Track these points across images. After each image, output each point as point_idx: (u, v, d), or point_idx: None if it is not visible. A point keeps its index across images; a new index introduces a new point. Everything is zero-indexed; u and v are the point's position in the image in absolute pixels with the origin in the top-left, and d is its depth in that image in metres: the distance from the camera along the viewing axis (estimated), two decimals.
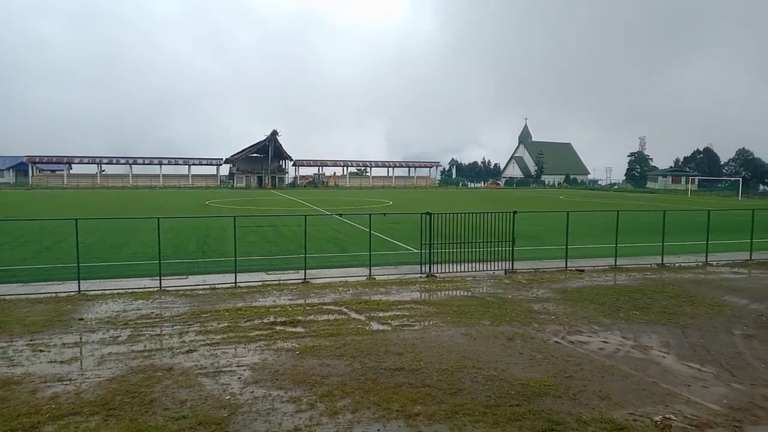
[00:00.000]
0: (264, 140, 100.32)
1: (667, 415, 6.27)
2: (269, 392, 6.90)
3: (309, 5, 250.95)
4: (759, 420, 6.30)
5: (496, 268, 15.50)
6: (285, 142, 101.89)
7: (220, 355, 8.27)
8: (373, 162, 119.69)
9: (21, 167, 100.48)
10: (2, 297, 11.80)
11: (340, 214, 20.80)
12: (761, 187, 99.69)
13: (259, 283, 13.47)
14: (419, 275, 14.81)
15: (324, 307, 11.26)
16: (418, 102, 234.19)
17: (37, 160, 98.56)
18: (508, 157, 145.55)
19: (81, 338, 9.11)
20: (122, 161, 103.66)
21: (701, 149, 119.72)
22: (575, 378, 7.50)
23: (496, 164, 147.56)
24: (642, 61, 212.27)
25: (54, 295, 12.09)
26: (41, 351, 8.38)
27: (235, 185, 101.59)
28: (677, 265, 17.02)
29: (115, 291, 12.52)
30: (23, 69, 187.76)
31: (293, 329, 9.66)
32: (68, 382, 7.15)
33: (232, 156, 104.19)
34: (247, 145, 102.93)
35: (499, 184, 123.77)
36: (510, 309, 11.27)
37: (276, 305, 11.33)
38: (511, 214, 15.81)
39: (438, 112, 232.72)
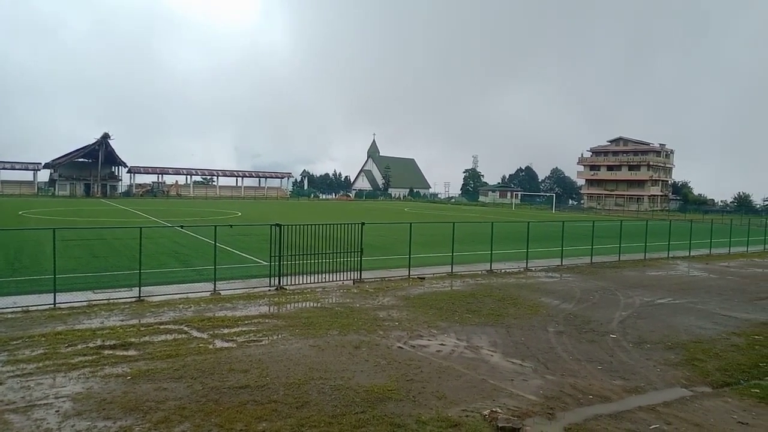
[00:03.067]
0: (93, 144, 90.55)
1: (494, 409, 6.93)
2: (94, 424, 6.21)
3: (151, 3, 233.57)
4: (567, 406, 7.27)
5: (345, 278, 15.82)
6: (120, 146, 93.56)
7: (33, 387, 7.23)
8: (221, 171, 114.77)
9: None
10: None
11: (182, 226, 19.50)
12: (570, 201, 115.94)
13: (85, 303, 12.07)
14: (268, 288, 14.51)
15: (161, 326, 10.46)
16: (269, 111, 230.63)
17: None
18: (358, 170, 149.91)
19: None
20: None
21: (523, 167, 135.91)
22: (415, 380, 7.94)
23: (346, 177, 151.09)
24: (476, 83, 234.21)
25: None
26: None
27: (57, 193, 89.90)
28: (503, 270, 18.96)
29: None
30: None
31: (124, 353, 8.82)
32: None
33: (53, 160, 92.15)
34: (73, 149, 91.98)
35: (349, 196, 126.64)
36: (357, 318, 11.56)
37: (104, 327, 10.25)
38: (360, 225, 16.29)
39: (290, 123, 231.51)
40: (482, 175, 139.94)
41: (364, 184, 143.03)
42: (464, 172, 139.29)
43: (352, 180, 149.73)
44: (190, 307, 12.12)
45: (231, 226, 20.05)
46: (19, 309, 11.44)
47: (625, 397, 7.70)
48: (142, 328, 10.27)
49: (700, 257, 25.34)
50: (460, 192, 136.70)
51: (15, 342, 9.15)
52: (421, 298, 13.82)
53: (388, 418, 6.59)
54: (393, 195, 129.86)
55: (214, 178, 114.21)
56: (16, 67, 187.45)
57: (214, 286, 13.95)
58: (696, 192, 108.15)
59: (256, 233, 26.53)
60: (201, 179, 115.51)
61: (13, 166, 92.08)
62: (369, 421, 6.51)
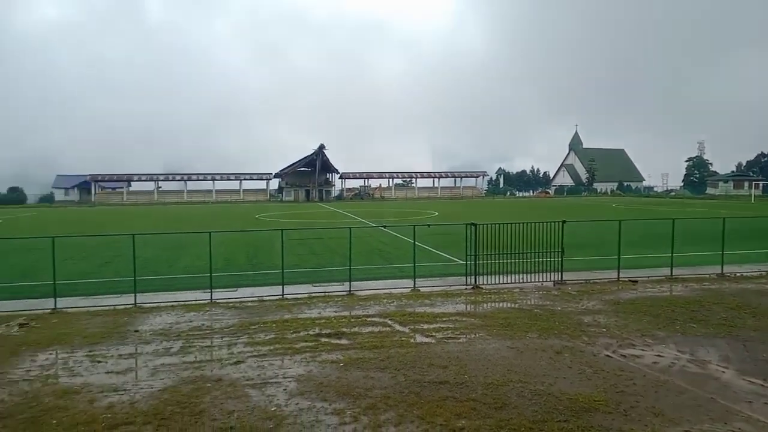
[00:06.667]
0: (311, 154, 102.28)
1: None
2: (314, 404, 6.98)
3: (353, 13, 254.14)
4: None
5: (545, 280, 15.13)
6: (332, 155, 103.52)
7: (266, 367, 8.44)
8: (419, 173, 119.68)
9: (84, 185, 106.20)
10: (65, 309, 12.47)
11: (385, 226, 20.88)
12: None
13: (306, 295, 13.68)
14: (464, 287, 14.65)
15: (368, 319, 11.31)
16: (464, 111, 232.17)
17: (99, 178, 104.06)
18: (558, 165, 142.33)
19: (136, 349, 9.51)
20: (177, 178, 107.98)
21: (766, 152, 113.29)
22: (627, 393, 7.20)
23: (545, 172, 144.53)
24: (699, 56, 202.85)
25: (112, 307, 12.67)
26: (99, 362, 8.79)
27: (283, 199, 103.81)
28: (738, 275, 16.11)
29: (169, 303, 13.00)
30: (85, 90, 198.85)
31: (338, 341, 9.74)
32: (123, 393, 7.47)
33: (281, 170, 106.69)
34: (296, 160, 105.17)
35: (548, 193, 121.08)
36: (558, 321, 10.97)
37: (321, 317, 11.47)
38: (561, 223, 15.43)
39: (485, 121, 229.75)
40: (710, 164, 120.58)
41: (565, 179, 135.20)
42: (687, 161, 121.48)
43: (551, 176, 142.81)
44: (393, 302, 12.87)
45: (429, 225, 20.76)
46: (256, 298, 13.46)
47: None
48: (352, 320, 11.23)
49: None
50: (681, 184, 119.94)
51: (253, 327, 10.80)
52: (632, 304, 12.51)
53: (595, 431, 6.10)
54: (599, 190, 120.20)
55: (413, 180, 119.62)
56: (255, 88, 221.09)
57: (414, 283, 14.59)
58: None
59: (452, 232, 26.99)
60: (401, 181, 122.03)
61: (251, 176, 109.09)
62: (573, 431, 6.10)
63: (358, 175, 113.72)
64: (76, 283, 15.75)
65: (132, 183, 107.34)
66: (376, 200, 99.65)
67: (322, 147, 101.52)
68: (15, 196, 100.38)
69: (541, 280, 15.09)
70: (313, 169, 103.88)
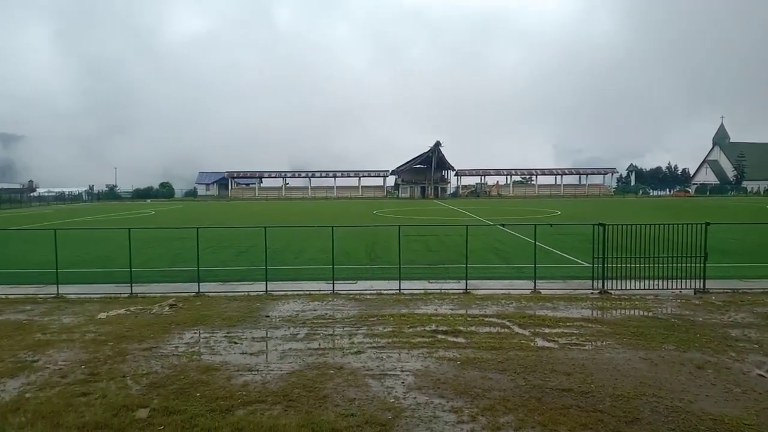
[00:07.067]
0: (427, 152, 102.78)
1: None
2: (431, 400, 7.00)
3: (470, 6, 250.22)
4: None
5: (684, 287, 13.75)
6: (447, 152, 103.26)
7: (385, 359, 8.63)
8: (539, 170, 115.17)
9: (222, 181, 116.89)
10: (206, 293, 13.79)
11: (503, 225, 20.34)
12: None
13: (422, 291, 13.77)
14: (590, 291, 13.80)
15: (486, 318, 11.10)
16: (590, 105, 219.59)
17: (235, 175, 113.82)
18: (700, 161, 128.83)
19: (267, 333, 10.23)
20: (303, 175, 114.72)
21: None
22: None
23: (684, 169, 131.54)
24: None
25: (247, 293, 13.77)
26: (235, 343, 9.59)
27: (399, 195, 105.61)
28: None
29: (296, 292, 13.83)
30: (222, 94, 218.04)
31: (454, 339, 9.69)
32: (256, 373, 8.07)
33: (397, 167, 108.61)
34: (411, 157, 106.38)
35: (688, 192, 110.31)
36: (700, 334, 9.92)
37: (438, 314, 11.48)
38: (704, 225, 13.94)
39: (615, 115, 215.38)
40: None
41: (707, 176, 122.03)
42: None
43: (691, 173, 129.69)
44: (512, 303, 12.50)
45: (551, 225, 19.87)
46: (374, 292, 13.83)
47: None
48: (468, 318, 11.11)
49: None
50: None
51: (372, 319, 11.11)
52: None
53: None
54: (749, 189, 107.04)
55: (533, 177, 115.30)
56: (375, 87, 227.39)
57: (534, 285, 14.05)
58: None
59: (576, 233, 25.62)
60: (520, 179, 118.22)
61: (368, 173, 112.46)
62: None
63: (474, 172, 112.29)
64: (216, 270, 17.35)
65: (263, 179, 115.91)
66: (493, 198, 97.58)
67: (437, 144, 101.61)
68: (165, 191, 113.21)
69: (679, 287, 13.74)
70: (429, 166, 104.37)
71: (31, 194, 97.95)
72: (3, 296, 13.72)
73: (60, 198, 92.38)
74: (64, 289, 14.07)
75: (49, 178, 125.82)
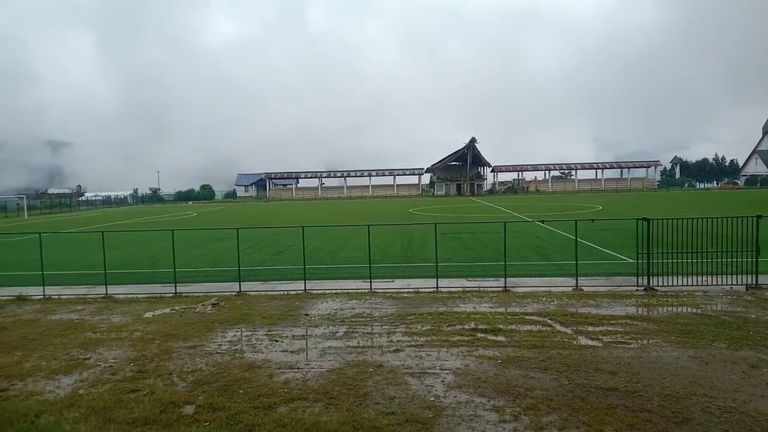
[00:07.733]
0: (462, 148, 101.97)
1: None
2: (472, 398, 6.93)
3: (512, 0, 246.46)
4: None
5: (735, 283, 13.19)
6: (483, 148, 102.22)
7: (424, 357, 8.60)
8: (579, 164, 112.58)
9: (260, 182, 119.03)
10: (247, 293, 14.05)
11: (542, 221, 19.97)
12: None
13: (460, 289, 13.66)
14: (635, 288, 13.40)
15: (526, 317, 10.92)
16: (632, 96, 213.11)
17: (273, 176, 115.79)
18: (749, 152, 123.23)
19: (306, 332, 10.35)
20: (338, 174, 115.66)
21: None
22: None
23: (732, 161, 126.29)
24: None
25: (286, 292, 13.96)
26: (276, 341, 9.73)
27: (435, 193, 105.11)
28: None
29: (333, 291, 13.93)
30: (258, 96, 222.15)
31: (494, 337, 9.57)
32: (297, 371, 8.17)
33: (432, 165, 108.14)
34: (447, 154, 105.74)
35: (736, 184, 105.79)
36: (754, 331, 9.49)
37: (476, 312, 11.36)
38: (755, 218, 13.33)
39: (658, 106, 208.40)
40: None
41: (758, 167, 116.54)
42: None
43: (740, 164, 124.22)
44: (553, 300, 12.26)
45: (592, 220, 19.40)
46: (412, 290, 13.80)
47: None
48: (508, 317, 10.95)
49: None
50: None
51: (410, 317, 11.08)
52: None
53: None
54: None
55: (572, 172, 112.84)
56: (409, 85, 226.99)
57: (576, 282, 13.73)
58: None
59: (618, 228, 24.92)
60: (559, 174, 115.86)
61: (403, 172, 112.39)
62: None
63: (510, 168, 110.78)
64: (255, 270, 17.67)
65: (299, 180, 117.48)
66: (531, 194, 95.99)
67: (473, 140, 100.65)
68: (206, 193, 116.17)
69: (729, 283, 13.19)
70: (464, 163, 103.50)
71: (80, 198, 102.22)
72: (56, 297, 14.35)
73: (107, 201, 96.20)
74: (113, 290, 14.62)
75: (96, 183, 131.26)
